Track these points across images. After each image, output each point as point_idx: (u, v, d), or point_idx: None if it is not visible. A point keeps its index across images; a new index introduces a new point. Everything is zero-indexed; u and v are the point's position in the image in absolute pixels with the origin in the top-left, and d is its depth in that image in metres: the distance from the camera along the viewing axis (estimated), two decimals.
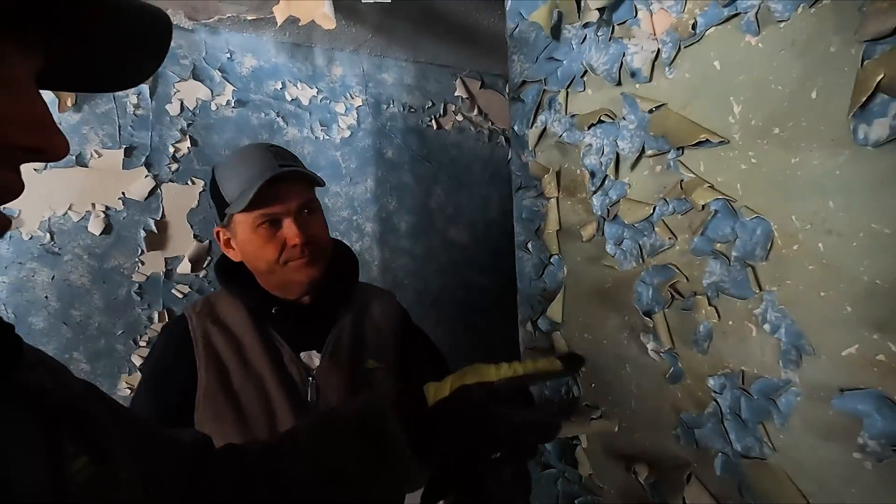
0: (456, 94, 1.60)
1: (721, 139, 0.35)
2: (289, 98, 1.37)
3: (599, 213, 0.44)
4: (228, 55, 1.29)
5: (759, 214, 0.33)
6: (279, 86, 1.34)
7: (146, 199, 1.14)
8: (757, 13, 0.32)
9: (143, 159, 1.13)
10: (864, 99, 0.27)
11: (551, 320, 0.50)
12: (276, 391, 0.70)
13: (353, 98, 1.46)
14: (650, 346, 0.41)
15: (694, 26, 0.36)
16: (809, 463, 0.31)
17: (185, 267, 1.16)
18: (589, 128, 0.45)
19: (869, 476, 0.29)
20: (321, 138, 1.42)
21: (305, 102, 1.39)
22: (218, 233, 0.81)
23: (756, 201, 0.33)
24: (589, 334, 0.47)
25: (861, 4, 0.27)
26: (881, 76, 0.26)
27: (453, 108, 1.61)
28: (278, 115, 1.35)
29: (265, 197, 0.69)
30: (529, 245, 0.53)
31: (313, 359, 0.73)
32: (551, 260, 0.50)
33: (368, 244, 1.52)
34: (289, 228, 0.70)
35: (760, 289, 0.33)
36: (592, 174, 0.45)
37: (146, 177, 1.13)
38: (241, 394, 0.71)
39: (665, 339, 0.39)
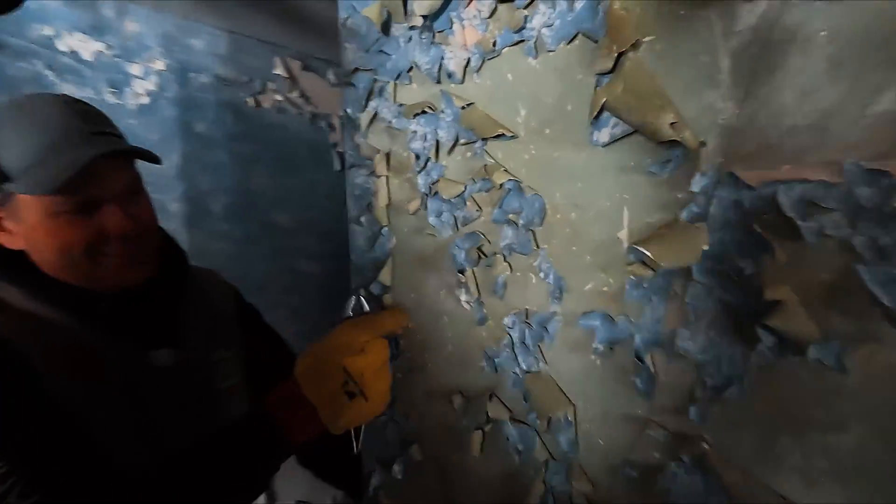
0: (276, 72, 1.55)
1: (512, 134, 0.46)
2: (64, 49, 1.15)
3: (423, 190, 0.53)
4: None
5: (536, 192, 0.45)
6: (50, 32, 1.12)
7: None
8: (535, 42, 0.43)
9: None
10: (596, 113, 0.40)
11: (382, 284, 0.56)
12: (124, 396, 0.61)
13: (153, 61, 1.30)
14: (463, 298, 0.51)
15: (494, 44, 0.46)
16: (566, 368, 0.44)
17: None
18: (414, 116, 0.53)
19: (599, 370, 0.42)
20: (111, 102, 1.24)
21: (87, 57, 1.19)
22: None
23: (535, 183, 0.45)
24: (414, 294, 0.55)
25: (595, 48, 0.40)
26: (605, 99, 0.39)
27: (273, 87, 1.55)
28: (49, 68, 1.13)
29: (78, 175, 0.53)
30: (362, 219, 0.59)
31: (164, 356, 0.64)
32: (381, 231, 0.57)
33: (175, 226, 1.38)
34: (112, 216, 0.55)
35: (538, 247, 0.45)
36: (417, 157, 0.53)
37: None
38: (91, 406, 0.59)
39: (473, 291, 0.49)
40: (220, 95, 1.44)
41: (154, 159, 0.58)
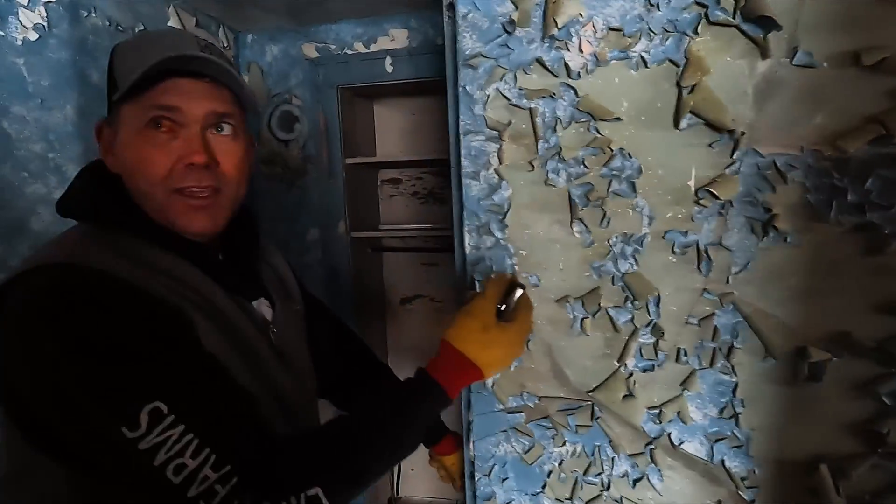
0: (170, 24, 1.43)
1: (617, 117, 0.70)
2: None
3: (542, 154, 0.73)
4: None
5: (634, 156, 0.71)
6: None
7: None
8: (636, 61, 0.69)
9: None
10: (683, 111, 0.68)
11: (502, 223, 0.74)
12: (266, 351, 0.64)
13: None
14: (575, 229, 0.73)
15: (605, 57, 0.69)
16: (652, 268, 0.72)
17: None
18: (533, 99, 0.72)
19: (675, 265, 0.71)
20: None
21: None
22: (100, 129, 0.61)
23: (633, 150, 0.71)
24: (528, 230, 0.74)
25: (676, 70, 0.67)
26: (691, 103, 0.67)
27: None
28: None
29: (166, 85, 0.53)
30: (480, 174, 0.75)
31: (264, 307, 0.69)
32: (501, 185, 0.74)
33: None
34: (191, 141, 0.54)
35: (635, 192, 0.71)
36: (535, 129, 0.72)
37: None
38: (232, 362, 0.60)
39: (587, 223, 0.72)
40: (114, 41, 1.25)
41: (248, 98, 0.59)
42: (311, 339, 0.77)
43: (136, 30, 1.31)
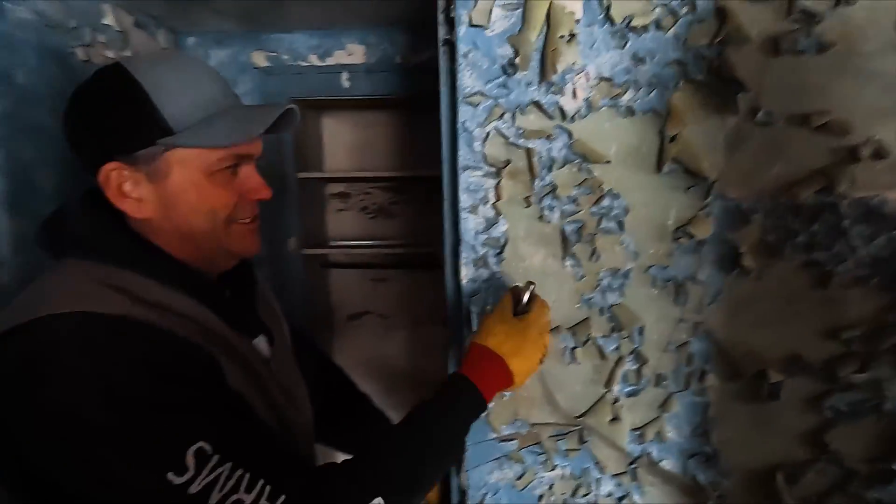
0: (105, 22, 1.31)
1: (608, 160, 0.75)
2: None
3: (537, 191, 0.76)
4: None
5: (622, 196, 0.76)
6: None
7: None
8: (625, 109, 0.74)
9: None
10: (666, 157, 0.74)
11: (501, 258, 0.76)
12: (274, 388, 0.63)
13: None
14: (567, 263, 0.77)
15: (598, 103, 0.74)
16: (637, 300, 0.77)
17: None
18: (530, 139, 0.75)
19: (656, 298, 0.77)
20: None
21: None
22: (106, 176, 0.54)
23: (621, 190, 0.76)
24: (523, 263, 0.77)
25: (661, 119, 0.74)
26: (673, 151, 0.74)
27: (103, 40, 1.30)
28: None
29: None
30: (478, 209, 0.76)
31: (263, 345, 0.68)
32: (498, 220, 0.76)
33: None
34: (252, 177, 0.58)
35: (622, 229, 0.77)
36: (531, 168, 0.76)
37: None
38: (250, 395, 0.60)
39: (578, 257, 0.77)
40: (44, 39, 1.14)
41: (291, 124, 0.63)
42: (301, 370, 0.75)
43: (70, 26, 1.18)
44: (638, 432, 0.79)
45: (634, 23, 0.72)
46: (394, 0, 1.36)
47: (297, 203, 1.66)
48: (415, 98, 1.63)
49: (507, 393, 0.77)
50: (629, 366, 0.79)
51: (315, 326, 1.83)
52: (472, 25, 0.73)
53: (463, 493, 0.82)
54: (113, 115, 0.50)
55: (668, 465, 0.79)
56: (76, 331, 0.43)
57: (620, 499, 0.80)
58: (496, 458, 0.81)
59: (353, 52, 1.58)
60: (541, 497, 0.81)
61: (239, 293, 0.65)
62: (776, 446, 0.77)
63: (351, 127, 1.94)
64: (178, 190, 0.53)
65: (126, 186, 0.52)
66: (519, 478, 0.80)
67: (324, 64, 1.59)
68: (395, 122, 1.93)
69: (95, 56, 1.24)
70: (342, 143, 1.95)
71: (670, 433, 0.79)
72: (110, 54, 1.29)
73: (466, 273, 0.77)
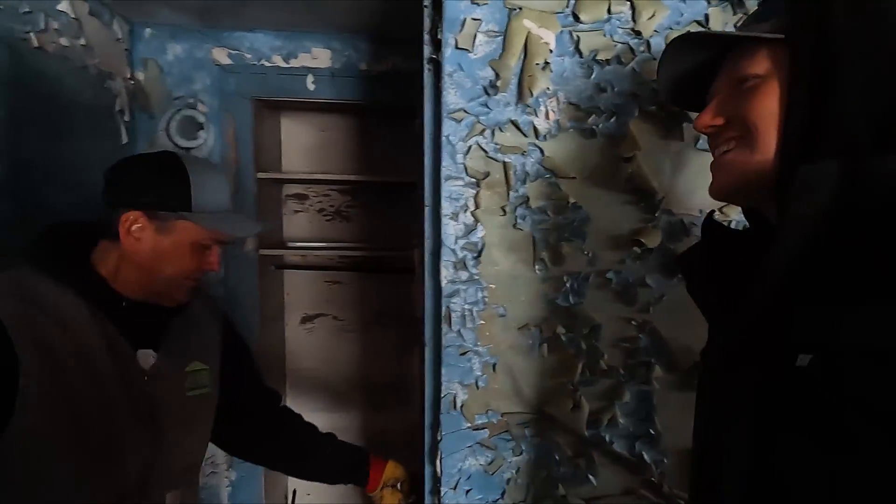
0: (60, 8, 1.27)
1: (574, 176, 0.85)
2: None
3: (512, 201, 0.84)
4: None
5: (583, 208, 0.86)
6: None
7: None
8: (589, 131, 0.84)
9: None
10: (623, 177, 0.85)
11: (477, 260, 0.84)
12: (118, 391, 0.73)
13: None
14: (536, 267, 0.86)
15: (566, 125, 0.84)
16: (595, 300, 0.87)
17: None
18: (507, 154, 0.83)
19: (611, 297, 0.88)
20: None
21: None
22: (128, 217, 0.70)
23: (583, 203, 0.86)
24: (497, 266, 0.85)
25: (621, 142, 0.85)
26: (629, 171, 0.85)
27: (56, 27, 1.25)
28: None
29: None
30: (458, 216, 0.83)
31: (148, 358, 0.77)
32: (476, 226, 0.84)
33: None
34: (216, 256, 0.78)
35: (583, 238, 0.87)
36: (508, 180, 0.84)
37: None
38: (80, 395, 0.71)
39: (545, 261, 0.85)
40: None
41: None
42: (222, 397, 0.87)
43: (21, 12, 1.12)
44: (594, 419, 0.89)
45: (599, 56, 0.83)
46: (356, 10, 1.40)
47: (254, 203, 1.64)
48: (372, 106, 1.67)
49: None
50: (587, 360, 0.88)
51: (268, 327, 1.81)
52: (457, 48, 0.80)
53: (437, 480, 0.88)
54: (161, 183, 0.72)
55: (618, 446, 0.90)
56: None
57: (577, 477, 0.89)
58: (469, 446, 0.87)
59: (318, 56, 1.60)
60: (509, 480, 0.89)
61: (148, 312, 0.76)
62: None
63: (309, 128, 1.94)
64: (170, 246, 0.73)
65: (135, 227, 0.71)
66: (490, 463, 0.88)
67: (288, 65, 1.60)
68: (353, 127, 1.96)
69: (48, 44, 1.18)
70: (300, 144, 1.95)
71: (621, 419, 0.89)
72: (64, 42, 1.24)
73: (446, 275, 0.83)
